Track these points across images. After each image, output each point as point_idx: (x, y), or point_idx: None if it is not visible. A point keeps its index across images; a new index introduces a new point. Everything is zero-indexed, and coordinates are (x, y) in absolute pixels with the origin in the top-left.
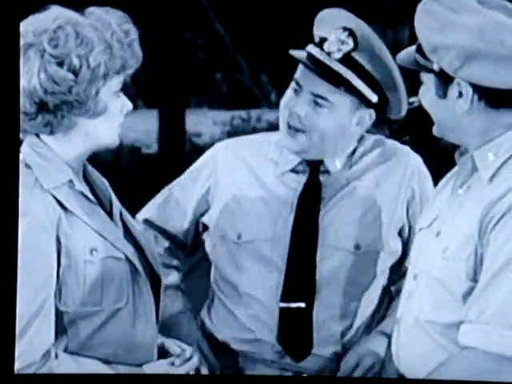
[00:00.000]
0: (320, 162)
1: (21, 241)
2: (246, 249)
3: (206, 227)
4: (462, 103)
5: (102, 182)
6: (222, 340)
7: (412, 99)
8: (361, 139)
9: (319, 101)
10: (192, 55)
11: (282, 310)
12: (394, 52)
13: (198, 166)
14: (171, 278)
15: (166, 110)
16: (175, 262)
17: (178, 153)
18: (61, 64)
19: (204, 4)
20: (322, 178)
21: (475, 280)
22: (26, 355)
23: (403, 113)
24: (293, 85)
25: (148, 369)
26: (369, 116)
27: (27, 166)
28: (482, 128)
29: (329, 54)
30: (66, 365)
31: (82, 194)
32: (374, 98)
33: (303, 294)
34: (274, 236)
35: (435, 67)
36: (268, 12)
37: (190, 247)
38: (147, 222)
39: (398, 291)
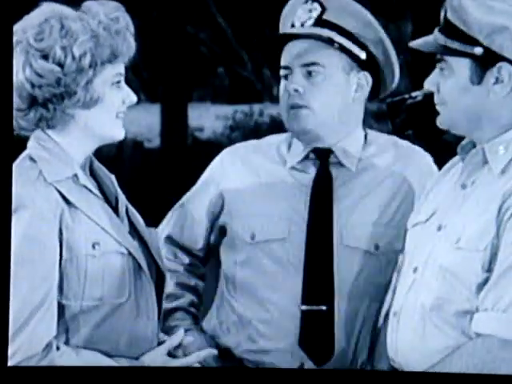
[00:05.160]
0: (329, 152)
1: (23, 233)
2: (262, 249)
3: (222, 234)
4: (499, 89)
5: (109, 177)
6: (234, 349)
7: (415, 93)
8: (370, 137)
9: (311, 69)
10: (194, 49)
11: (303, 312)
12: (397, 47)
13: (206, 176)
14: (183, 300)
15: (168, 104)
16: (193, 282)
17: (180, 147)
18: (45, 57)
19: None
20: (332, 169)
21: (490, 270)
22: (27, 347)
23: (396, 77)
24: (282, 73)
25: (147, 359)
26: (365, 79)
27: (32, 159)
28: (505, 119)
29: (302, 25)
30: (67, 357)
31: (87, 188)
32: (363, 55)
33: (324, 296)
34: (289, 235)
35: (477, 51)
36: (270, 5)
37: (207, 259)
38: (169, 239)
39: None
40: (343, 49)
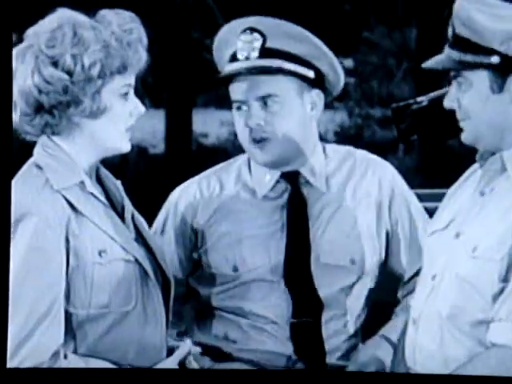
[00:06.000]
0: (297, 174)
1: (29, 241)
2: (246, 278)
3: (196, 267)
4: None
5: (115, 184)
6: (227, 352)
7: (420, 98)
8: (329, 151)
9: (267, 100)
10: (198, 55)
11: (292, 325)
12: (402, 52)
13: (172, 217)
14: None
15: (172, 110)
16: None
17: (184, 153)
18: (55, 64)
19: (211, 4)
20: (304, 190)
21: (506, 280)
22: (34, 356)
23: (341, 79)
24: (235, 107)
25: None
26: (317, 96)
27: (38, 167)
28: None
29: (247, 58)
30: (75, 365)
31: (93, 195)
32: (311, 74)
33: (309, 309)
34: (270, 260)
35: (494, 60)
36: (274, 12)
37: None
38: None
39: (405, 296)
40: (292, 73)
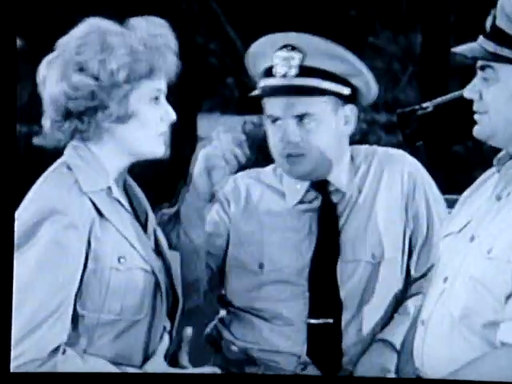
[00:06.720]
0: (326, 183)
1: (51, 237)
2: (270, 277)
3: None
4: None
5: (141, 196)
6: (242, 348)
7: (425, 104)
8: (353, 152)
9: (304, 119)
10: (203, 60)
11: (310, 326)
12: (407, 57)
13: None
14: None
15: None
16: None
17: (189, 158)
18: (82, 70)
19: (215, 8)
20: (334, 197)
21: None
22: (35, 350)
23: (374, 93)
24: (270, 120)
25: (149, 365)
26: (350, 111)
27: (68, 167)
28: None
29: (284, 75)
30: (72, 362)
31: (119, 202)
32: (346, 91)
33: (330, 310)
34: (297, 262)
35: None
36: (280, 17)
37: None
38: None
39: (407, 298)
40: (328, 92)
